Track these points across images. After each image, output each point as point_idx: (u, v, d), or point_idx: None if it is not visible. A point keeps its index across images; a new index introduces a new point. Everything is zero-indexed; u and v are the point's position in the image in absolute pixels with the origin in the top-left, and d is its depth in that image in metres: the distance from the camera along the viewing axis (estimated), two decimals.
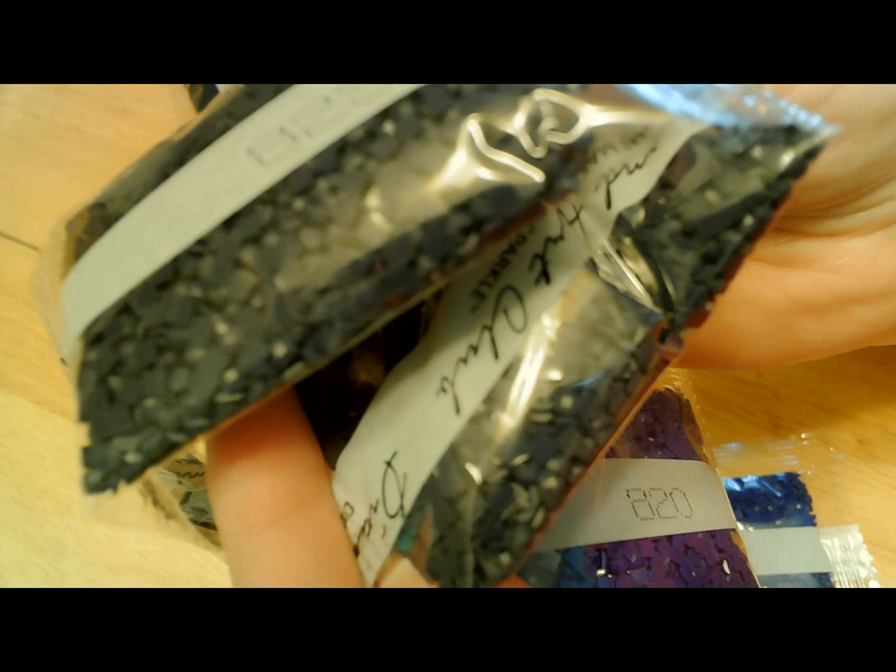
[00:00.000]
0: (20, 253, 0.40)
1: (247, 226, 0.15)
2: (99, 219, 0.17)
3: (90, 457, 0.15)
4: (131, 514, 0.17)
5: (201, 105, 0.37)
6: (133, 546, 0.33)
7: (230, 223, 0.15)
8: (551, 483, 0.15)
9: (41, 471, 0.35)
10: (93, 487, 0.15)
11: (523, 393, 0.16)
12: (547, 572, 0.20)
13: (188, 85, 0.37)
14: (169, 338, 0.15)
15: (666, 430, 0.25)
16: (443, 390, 0.16)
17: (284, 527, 0.17)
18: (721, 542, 0.23)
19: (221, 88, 0.35)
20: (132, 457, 0.15)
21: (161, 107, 0.41)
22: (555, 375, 0.16)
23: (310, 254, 0.15)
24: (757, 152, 0.16)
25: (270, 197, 0.15)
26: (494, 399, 0.16)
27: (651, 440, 0.24)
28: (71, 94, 0.44)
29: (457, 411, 0.16)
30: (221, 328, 0.15)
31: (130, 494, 0.16)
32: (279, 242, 0.15)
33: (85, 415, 0.16)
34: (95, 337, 0.16)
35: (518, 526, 0.15)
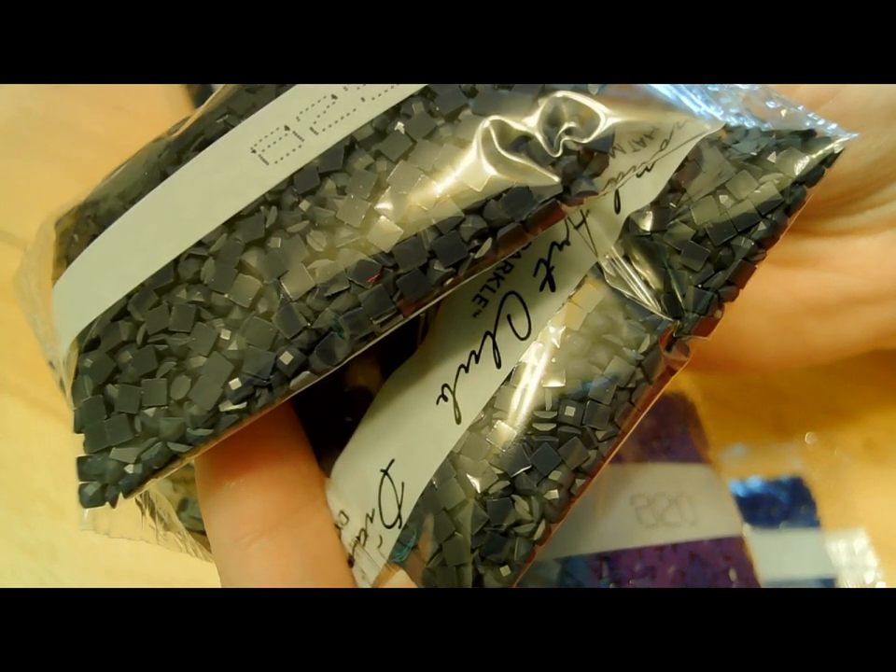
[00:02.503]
0: (11, 251, 0.39)
1: (251, 228, 0.15)
2: (92, 219, 0.17)
3: (86, 469, 0.15)
4: (128, 527, 0.17)
5: (198, 100, 0.36)
6: (127, 549, 0.33)
7: (232, 225, 0.15)
8: (553, 494, 0.15)
9: (34, 474, 0.34)
10: (90, 500, 0.15)
11: (525, 401, 0.15)
12: (547, 582, 0.19)
13: None
14: (170, 344, 0.15)
15: (672, 434, 0.24)
16: (444, 398, 0.16)
17: (273, 539, 0.16)
18: (728, 550, 0.23)
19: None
20: (131, 469, 0.15)
21: (156, 103, 0.41)
22: (559, 384, 0.15)
23: (318, 257, 0.14)
24: (772, 157, 0.16)
25: (274, 198, 0.15)
26: (495, 408, 0.15)
27: (656, 444, 0.24)
28: (64, 90, 0.43)
29: (458, 419, 0.16)
30: (224, 334, 0.14)
31: (127, 505, 0.16)
32: (285, 245, 0.14)
33: (82, 425, 0.15)
34: (91, 343, 0.15)
35: (518, 538, 0.15)
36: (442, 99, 0.15)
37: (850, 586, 0.30)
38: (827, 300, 0.25)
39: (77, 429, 0.15)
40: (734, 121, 0.16)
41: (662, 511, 0.22)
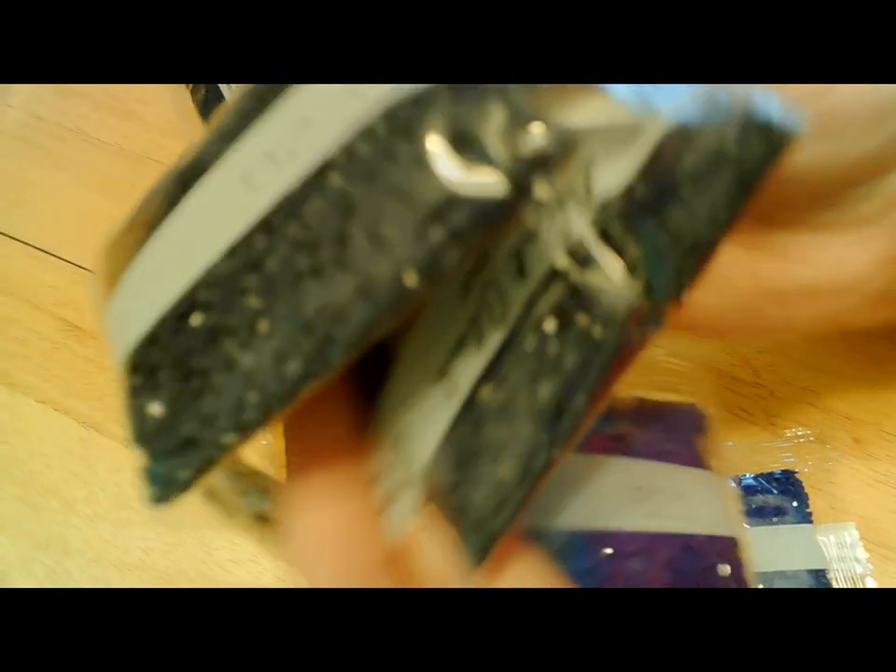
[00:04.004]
0: (22, 253, 0.40)
1: (248, 254, 0.16)
2: (127, 245, 0.18)
3: (147, 475, 0.17)
4: (194, 518, 0.18)
5: (203, 107, 0.37)
6: (136, 544, 0.33)
7: (233, 252, 0.16)
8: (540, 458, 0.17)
9: (45, 470, 0.35)
10: (156, 500, 0.17)
11: (510, 379, 0.17)
12: (547, 553, 0.21)
13: (189, 87, 0.37)
14: (193, 365, 0.16)
15: (679, 440, 0.25)
16: (440, 378, 0.18)
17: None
18: (722, 548, 0.24)
19: (224, 91, 0.36)
20: (182, 473, 0.16)
21: (164, 109, 0.41)
22: (539, 363, 0.16)
23: (304, 277, 0.16)
24: (732, 147, 0.17)
25: (264, 225, 0.16)
26: (484, 386, 0.17)
27: (666, 447, 0.25)
28: (73, 96, 0.44)
29: (452, 397, 0.18)
30: (236, 353, 0.16)
31: (191, 499, 0.17)
32: (277, 267, 0.16)
33: (137, 439, 0.17)
34: (134, 365, 0.17)
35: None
36: (403, 117, 0.15)
37: (840, 579, 0.31)
38: (785, 288, 0.26)
39: (133, 444, 0.17)
40: (692, 115, 0.17)
41: (662, 504, 0.23)
